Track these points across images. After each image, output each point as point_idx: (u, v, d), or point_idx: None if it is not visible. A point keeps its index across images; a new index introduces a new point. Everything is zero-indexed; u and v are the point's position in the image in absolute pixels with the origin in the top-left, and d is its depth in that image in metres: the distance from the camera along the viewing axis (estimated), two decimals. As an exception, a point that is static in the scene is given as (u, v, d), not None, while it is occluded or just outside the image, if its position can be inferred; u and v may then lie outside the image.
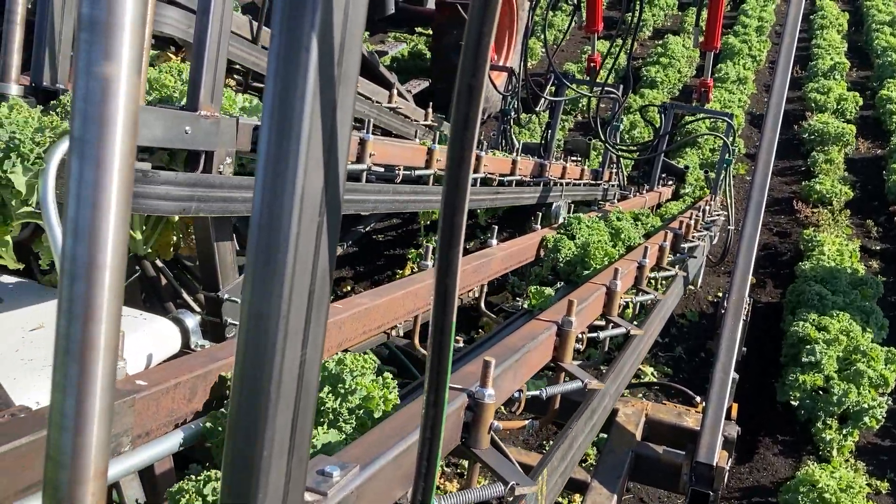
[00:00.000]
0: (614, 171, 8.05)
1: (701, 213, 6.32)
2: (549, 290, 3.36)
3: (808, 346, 5.97)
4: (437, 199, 4.26)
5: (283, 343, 0.84)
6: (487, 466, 1.59)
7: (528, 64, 6.99)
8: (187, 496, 1.30)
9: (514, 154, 5.41)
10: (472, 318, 5.87)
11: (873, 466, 5.46)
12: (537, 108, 9.18)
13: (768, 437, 5.79)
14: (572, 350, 2.28)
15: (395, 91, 6.26)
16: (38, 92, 2.53)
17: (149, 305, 2.86)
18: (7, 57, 2.39)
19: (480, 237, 7.49)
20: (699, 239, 5.29)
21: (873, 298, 7.11)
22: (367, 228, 6.55)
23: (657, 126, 8.05)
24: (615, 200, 7.03)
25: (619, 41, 7.22)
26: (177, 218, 2.52)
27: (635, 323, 3.13)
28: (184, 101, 2.39)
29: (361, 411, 1.58)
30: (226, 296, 2.58)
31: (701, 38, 6.90)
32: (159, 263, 2.80)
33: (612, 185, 7.78)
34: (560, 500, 4.63)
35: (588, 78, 7.62)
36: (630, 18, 6.59)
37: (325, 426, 1.54)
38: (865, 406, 5.51)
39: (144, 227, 2.50)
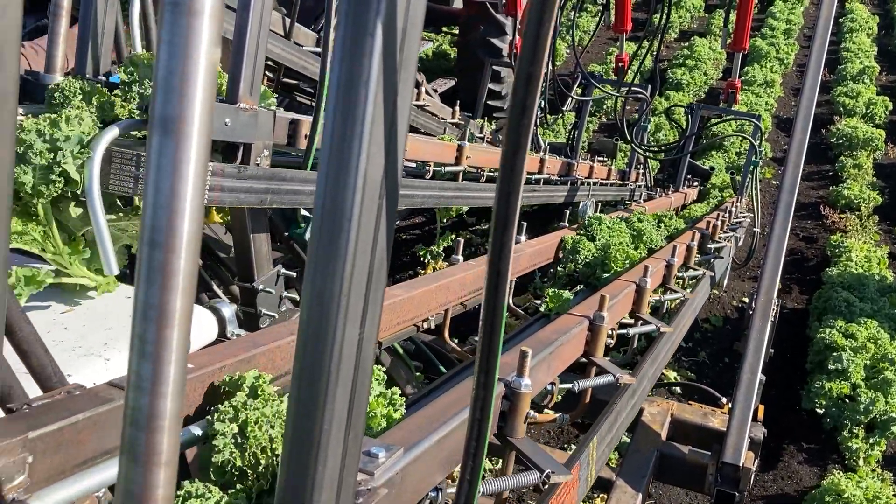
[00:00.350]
0: (641, 171, 8.03)
1: (727, 215, 6.30)
2: (567, 294, 3.32)
3: (835, 354, 5.91)
4: (478, 196, 4.30)
5: (343, 321, 0.87)
6: (523, 455, 1.62)
7: (553, 65, 6.97)
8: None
9: (542, 153, 5.42)
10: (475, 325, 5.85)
11: (901, 477, 5.41)
12: (564, 108, 9.18)
13: (793, 444, 5.74)
14: (604, 345, 2.29)
15: (423, 89, 6.29)
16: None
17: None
18: (53, 48, 2.44)
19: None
20: (726, 240, 5.27)
21: (902, 306, 7.04)
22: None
23: (684, 127, 8.01)
24: (641, 201, 7.01)
25: (647, 42, 7.21)
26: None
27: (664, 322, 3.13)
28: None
29: None
30: (261, 286, 2.62)
31: (729, 39, 6.86)
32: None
33: (639, 186, 7.76)
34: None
35: (615, 78, 7.61)
36: (658, 18, 6.56)
37: None
38: (893, 415, 5.45)
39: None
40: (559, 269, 3.94)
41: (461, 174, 4.03)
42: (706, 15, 18.04)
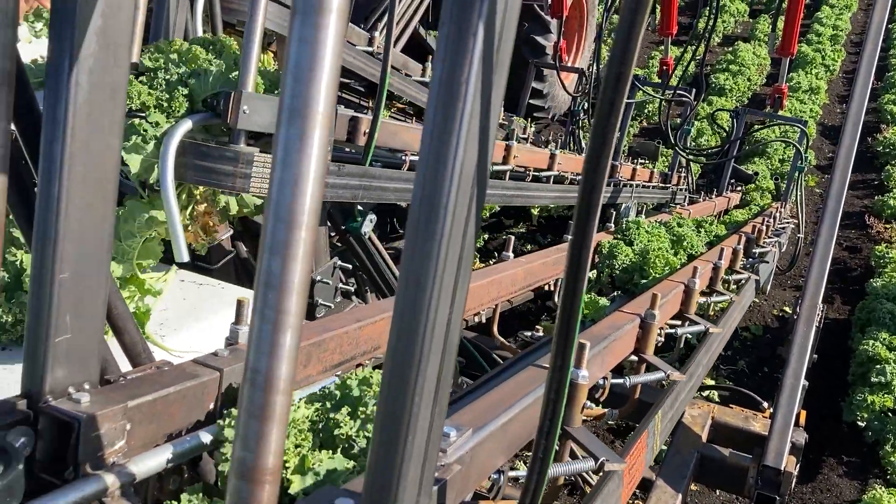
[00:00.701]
0: (683, 175, 8.00)
1: (771, 220, 6.26)
2: (603, 301, 3.30)
3: (878, 366, 5.83)
4: (537, 195, 4.38)
5: (436, 302, 0.93)
6: (579, 443, 1.67)
7: (598, 68, 6.98)
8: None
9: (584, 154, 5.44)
10: (530, 322, 5.92)
11: (945, 494, 5.32)
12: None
13: (833, 457, 5.68)
14: (654, 343, 2.33)
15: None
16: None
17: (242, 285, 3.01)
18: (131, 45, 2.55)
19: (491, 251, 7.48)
20: (770, 245, 5.25)
21: (948, 319, 6.91)
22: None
23: (728, 131, 7.97)
24: (685, 204, 6.99)
25: (692, 46, 7.19)
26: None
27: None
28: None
29: None
30: (318, 277, 2.70)
31: (777, 43, 6.82)
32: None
33: (681, 190, 7.74)
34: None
35: (659, 81, 7.60)
36: (705, 21, 6.54)
37: (333, 451, 1.32)
38: (938, 430, 5.37)
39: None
40: (596, 274, 3.90)
41: (508, 173, 4.09)
42: (750, 20, 17.84)
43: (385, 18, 4.68)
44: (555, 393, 1.06)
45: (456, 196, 0.92)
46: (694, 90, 7.42)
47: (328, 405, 1.38)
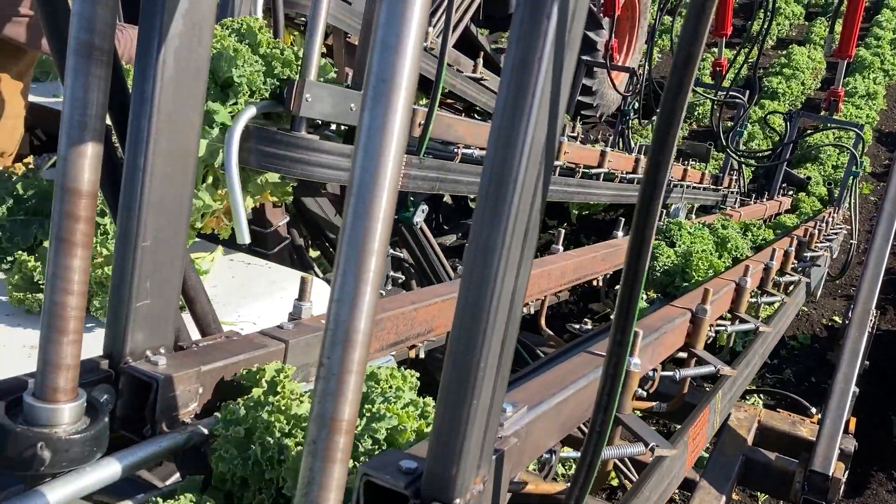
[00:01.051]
0: (734, 178, 7.91)
1: (823, 225, 6.16)
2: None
3: (933, 381, 5.69)
4: (597, 192, 4.43)
5: (503, 272, 0.97)
6: (630, 429, 1.69)
7: (650, 66, 6.94)
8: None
9: (634, 153, 5.45)
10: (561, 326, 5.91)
11: None
12: (658, 110, 9.12)
13: (882, 472, 5.55)
14: (705, 337, 2.34)
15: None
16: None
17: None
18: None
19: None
20: (822, 249, 5.17)
21: None
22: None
23: (781, 134, 7.84)
24: (736, 206, 6.91)
25: (745, 48, 7.09)
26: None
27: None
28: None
29: (385, 444, 1.20)
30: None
31: (834, 45, 6.70)
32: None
33: (732, 192, 7.65)
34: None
35: (712, 83, 7.52)
36: (760, 22, 6.46)
37: None
38: None
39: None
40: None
41: (557, 169, 4.11)
42: (806, 23, 17.49)
43: (439, 16, 4.73)
44: (613, 368, 1.09)
45: (525, 170, 0.96)
46: (747, 92, 7.32)
47: None
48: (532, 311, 2.67)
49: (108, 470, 1.11)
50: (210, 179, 2.30)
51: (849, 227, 7.28)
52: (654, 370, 2.10)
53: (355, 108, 2.46)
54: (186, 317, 1.49)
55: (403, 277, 3.17)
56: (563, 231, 2.89)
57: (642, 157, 5.33)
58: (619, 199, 5.20)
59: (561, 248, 2.89)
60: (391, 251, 2.86)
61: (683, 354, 2.47)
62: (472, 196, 5.36)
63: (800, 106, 13.46)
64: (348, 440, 0.84)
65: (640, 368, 1.70)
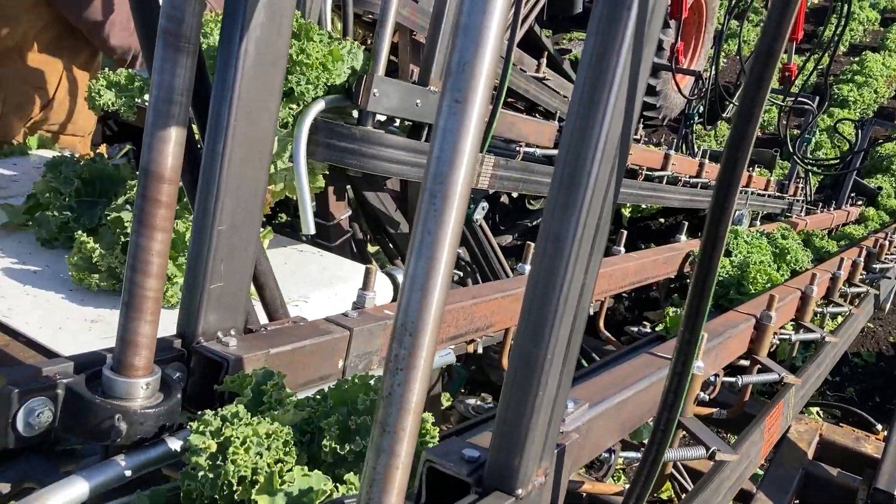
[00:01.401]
0: (800, 186, 7.70)
1: (894, 236, 5.96)
2: None
3: None
4: (670, 196, 4.41)
5: (573, 263, 0.97)
6: (690, 433, 1.67)
7: (717, 69, 6.80)
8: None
9: (698, 158, 5.36)
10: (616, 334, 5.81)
11: None
12: (724, 115, 8.96)
13: (951, 496, 5.34)
14: (768, 345, 2.29)
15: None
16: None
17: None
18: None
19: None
20: (893, 261, 5.00)
21: None
22: (534, 223, 6.68)
23: (851, 142, 7.60)
24: (802, 214, 6.74)
25: (816, 54, 6.90)
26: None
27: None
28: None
29: None
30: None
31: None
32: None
33: (798, 201, 7.46)
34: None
35: (782, 87, 7.35)
36: (834, 27, 6.28)
37: (312, 466, 1.11)
38: None
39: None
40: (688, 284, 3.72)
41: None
42: (881, 28, 16.92)
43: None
44: (681, 365, 1.08)
45: (600, 163, 0.95)
46: (817, 98, 7.12)
47: (320, 411, 1.18)
48: (591, 313, 2.65)
49: (175, 444, 1.15)
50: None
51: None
52: (716, 375, 2.07)
53: (420, 104, 2.48)
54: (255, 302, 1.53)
55: (461, 274, 3.18)
56: (624, 232, 2.86)
57: (706, 161, 5.24)
58: (691, 203, 5.11)
59: (623, 249, 2.86)
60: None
61: (745, 362, 2.43)
62: (531, 197, 5.33)
63: (872, 114, 13.03)
64: (416, 420, 0.85)
65: (702, 372, 1.67)
